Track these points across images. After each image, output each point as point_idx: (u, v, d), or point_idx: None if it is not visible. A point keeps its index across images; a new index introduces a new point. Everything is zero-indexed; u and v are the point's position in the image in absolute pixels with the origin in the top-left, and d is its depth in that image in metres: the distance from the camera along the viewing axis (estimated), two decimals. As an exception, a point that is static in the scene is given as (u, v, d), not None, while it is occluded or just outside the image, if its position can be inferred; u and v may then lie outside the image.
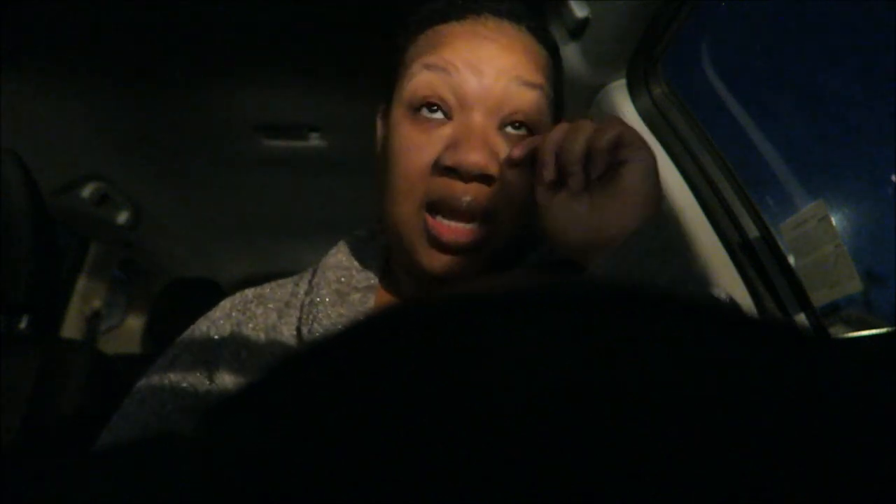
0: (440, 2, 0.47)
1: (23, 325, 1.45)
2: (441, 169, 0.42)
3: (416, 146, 0.44)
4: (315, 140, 1.48)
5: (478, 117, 0.43)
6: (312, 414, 0.10)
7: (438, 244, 0.43)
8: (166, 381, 0.47)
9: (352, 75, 1.19)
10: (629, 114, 0.95)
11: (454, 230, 0.43)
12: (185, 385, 0.46)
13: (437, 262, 0.43)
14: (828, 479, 0.08)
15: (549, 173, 0.41)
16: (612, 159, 0.40)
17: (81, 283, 1.91)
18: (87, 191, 1.61)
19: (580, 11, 0.86)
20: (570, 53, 0.90)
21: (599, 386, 0.09)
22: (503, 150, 0.43)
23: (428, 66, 0.44)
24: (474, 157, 0.41)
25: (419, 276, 0.46)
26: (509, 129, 0.44)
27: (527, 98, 0.44)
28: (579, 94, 0.97)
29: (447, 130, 0.43)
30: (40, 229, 0.79)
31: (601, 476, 0.08)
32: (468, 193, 0.42)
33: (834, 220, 0.73)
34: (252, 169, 1.66)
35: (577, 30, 0.89)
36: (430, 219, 0.43)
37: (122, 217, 1.81)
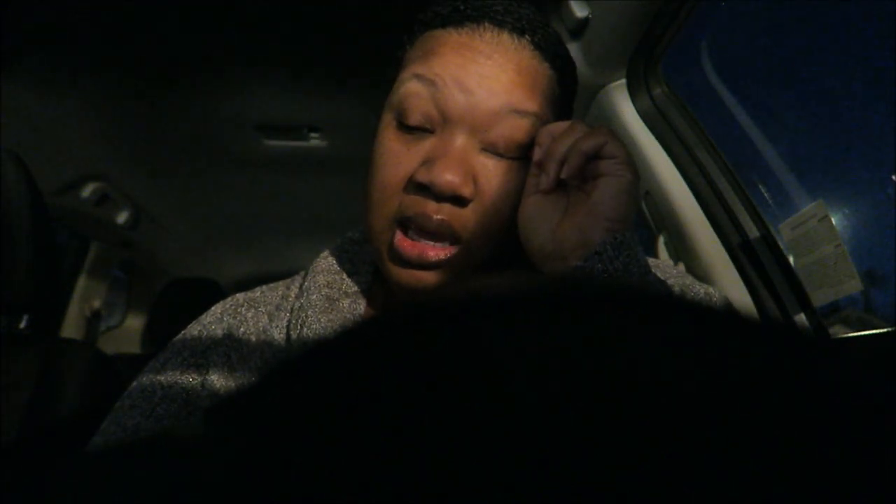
0: (443, 4, 0.45)
1: (23, 325, 1.45)
2: (415, 185, 0.41)
3: (395, 158, 0.42)
4: (315, 140, 1.48)
5: (459, 136, 0.41)
6: (309, 416, 0.10)
7: (401, 260, 0.42)
8: (157, 385, 0.46)
9: (352, 75, 1.19)
10: (629, 114, 0.95)
11: (419, 248, 0.41)
12: (176, 388, 0.46)
13: (401, 275, 0.42)
14: (828, 480, 0.08)
15: (538, 154, 0.42)
16: (592, 170, 0.40)
17: (81, 283, 1.92)
18: (87, 191, 1.61)
19: (580, 11, 0.86)
20: (570, 53, 0.90)
21: (599, 388, 0.09)
22: (483, 172, 0.42)
23: (417, 76, 0.42)
24: (448, 177, 0.39)
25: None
26: (491, 153, 0.42)
27: (515, 126, 0.42)
28: (579, 95, 0.97)
29: (428, 145, 0.42)
30: (40, 229, 0.79)
31: (603, 476, 0.08)
32: (440, 213, 0.41)
33: (834, 220, 0.73)
34: (252, 169, 1.67)
35: (577, 30, 0.89)
36: (398, 234, 0.42)
37: (122, 217, 1.81)
